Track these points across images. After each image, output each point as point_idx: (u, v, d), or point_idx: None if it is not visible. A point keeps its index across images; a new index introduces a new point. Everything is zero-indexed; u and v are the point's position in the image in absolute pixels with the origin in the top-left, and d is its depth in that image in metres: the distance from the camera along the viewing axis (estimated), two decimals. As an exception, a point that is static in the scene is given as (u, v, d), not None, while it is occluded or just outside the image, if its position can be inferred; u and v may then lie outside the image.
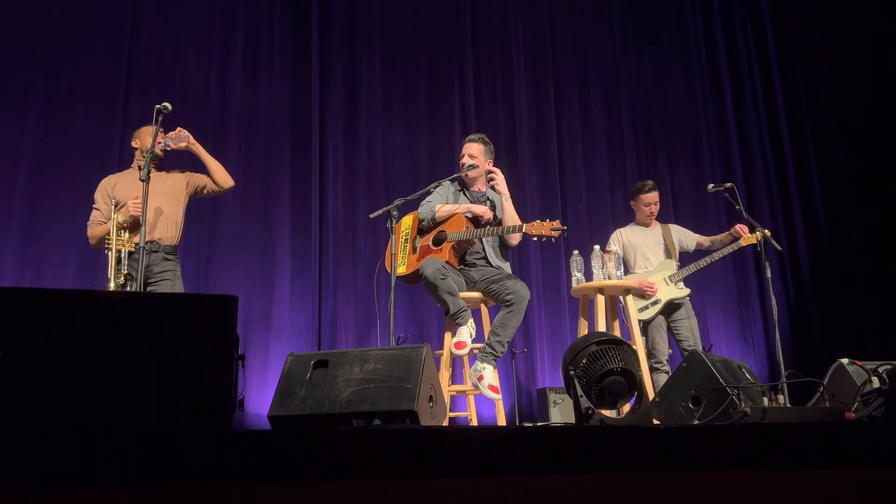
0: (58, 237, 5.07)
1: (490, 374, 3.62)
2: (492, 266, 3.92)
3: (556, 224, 3.65)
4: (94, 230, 3.84)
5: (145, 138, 3.90)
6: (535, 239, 3.71)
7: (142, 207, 3.34)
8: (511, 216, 3.89)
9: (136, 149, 3.94)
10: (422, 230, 4.05)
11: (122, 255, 3.53)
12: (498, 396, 3.64)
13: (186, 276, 5.42)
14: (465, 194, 4.07)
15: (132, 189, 3.75)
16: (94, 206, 3.88)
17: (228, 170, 5.64)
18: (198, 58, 5.77)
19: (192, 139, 3.83)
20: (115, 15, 5.57)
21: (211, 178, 4.00)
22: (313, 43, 6.06)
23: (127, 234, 3.63)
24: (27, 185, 5.12)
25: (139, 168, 3.88)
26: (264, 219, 5.68)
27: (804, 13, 7.32)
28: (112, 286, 3.42)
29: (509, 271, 3.94)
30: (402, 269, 3.88)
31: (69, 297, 1.66)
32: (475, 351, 3.78)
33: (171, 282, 3.82)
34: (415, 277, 3.87)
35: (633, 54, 7.13)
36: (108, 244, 3.54)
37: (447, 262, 3.74)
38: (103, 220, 3.81)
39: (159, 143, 3.71)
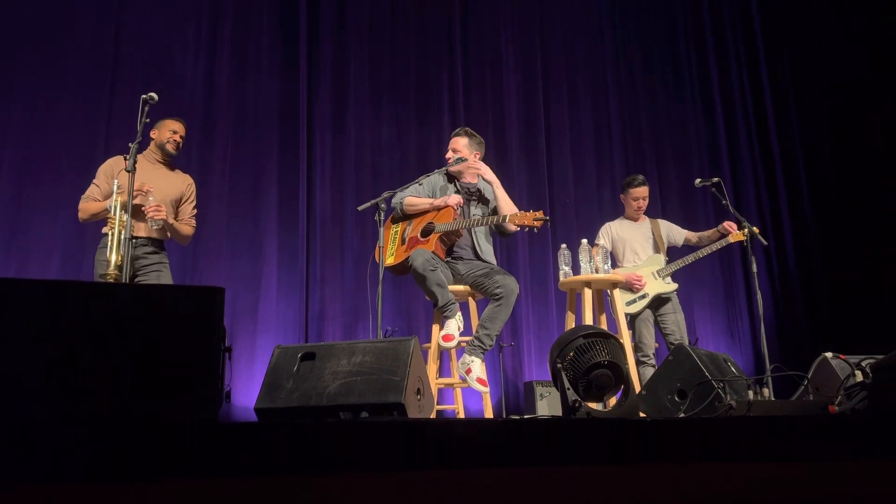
0: (43, 229, 5.02)
1: (478, 367, 3.63)
2: (479, 259, 3.93)
3: (539, 214, 3.69)
4: (87, 204, 3.79)
5: (163, 131, 3.93)
6: (518, 229, 3.75)
7: (129, 198, 3.31)
8: (505, 202, 3.92)
9: (153, 139, 3.94)
10: (395, 219, 4.07)
11: (122, 237, 3.48)
12: (486, 389, 3.65)
13: (173, 268, 5.38)
14: (455, 185, 4.07)
15: (142, 175, 3.73)
16: (94, 181, 3.84)
17: (215, 162, 5.63)
18: (185, 49, 5.73)
19: (166, 220, 3.78)
20: (101, 4, 5.51)
21: (177, 236, 3.98)
22: (301, 34, 6.03)
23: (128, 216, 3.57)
24: (12, 177, 5.06)
25: (155, 160, 3.95)
26: (251, 211, 5.65)
27: (791, 5, 7.36)
28: (112, 266, 3.38)
29: (496, 265, 3.95)
30: (390, 260, 3.89)
31: (53, 288, 1.64)
32: (463, 344, 3.79)
33: (158, 272, 3.81)
34: (402, 269, 3.87)
35: (621, 48, 7.14)
36: (112, 224, 3.50)
37: (434, 253, 3.74)
38: (99, 197, 3.77)
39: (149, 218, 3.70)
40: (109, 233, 3.51)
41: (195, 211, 4.10)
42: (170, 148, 3.92)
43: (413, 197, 3.99)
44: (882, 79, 6.80)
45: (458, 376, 3.83)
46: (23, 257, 4.96)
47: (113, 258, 3.40)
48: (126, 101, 5.26)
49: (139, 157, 3.92)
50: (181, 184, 4.01)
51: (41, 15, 5.32)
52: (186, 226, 4.01)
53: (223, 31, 5.87)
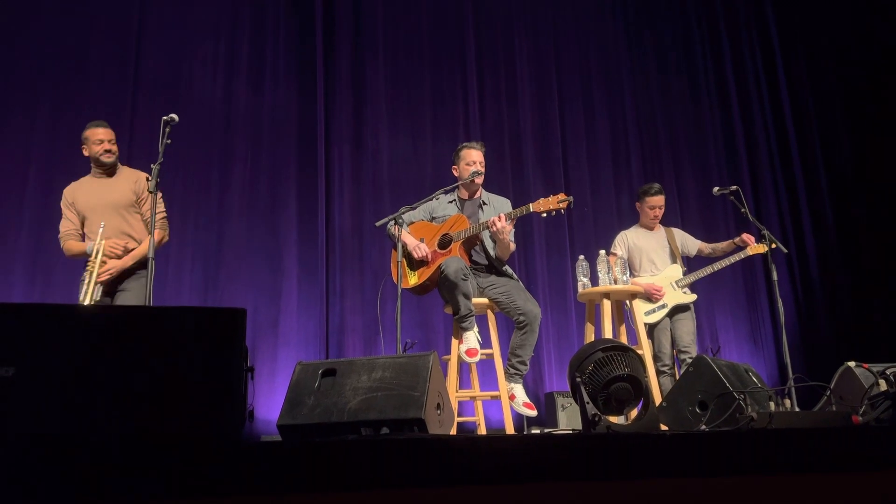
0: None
1: (521, 393, 3.71)
2: (495, 270, 3.92)
3: (562, 196, 3.69)
4: (69, 244, 3.81)
5: (90, 146, 3.83)
6: (545, 215, 3.73)
7: (152, 216, 3.29)
8: (504, 246, 3.87)
9: (87, 156, 3.87)
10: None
11: (94, 284, 3.57)
12: (534, 413, 3.69)
13: (194, 283, 5.41)
14: (457, 204, 4.07)
15: (91, 197, 3.76)
16: (63, 215, 3.85)
17: (234, 178, 5.65)
18: (203, 66, 5.81)
19: (113, 267, 3.66)
20: (121, 24, 5.61)
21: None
22: (318, 50, 6.09)
23: (100, 259, 3.60)
24: (35, 198, 5.15)
25: (97, 174, 3.88)
26: (271, 226, 5.71)
27: (808, 10, 7.31)
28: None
29: (511, 273, 3.95)
30: (413, 280, 3.84)
31: (79, 311, 1.68)
32: (484, 356, 3.80)
33: (131, 293, 3.70)
34: (422, 289, 3.87)
35: (637, 56, 7.13)
36: (91, 268, 3.58)
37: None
38: (74, 229, 3.79)
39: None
40: (86, 275, 3.59)
41: (158, 207, 3.75)
42: (104, 159, 3.80)
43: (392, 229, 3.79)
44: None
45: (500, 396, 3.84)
46: (46, 277, 5.03)
47: (86, 301, 3.48)
48: (146, 119, 5.33)
49: (85, 179, 3.89)
50: (128, 185, 3.85)
51: (61, 36, 5.42)
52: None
53: (240, 48, 5.95)
